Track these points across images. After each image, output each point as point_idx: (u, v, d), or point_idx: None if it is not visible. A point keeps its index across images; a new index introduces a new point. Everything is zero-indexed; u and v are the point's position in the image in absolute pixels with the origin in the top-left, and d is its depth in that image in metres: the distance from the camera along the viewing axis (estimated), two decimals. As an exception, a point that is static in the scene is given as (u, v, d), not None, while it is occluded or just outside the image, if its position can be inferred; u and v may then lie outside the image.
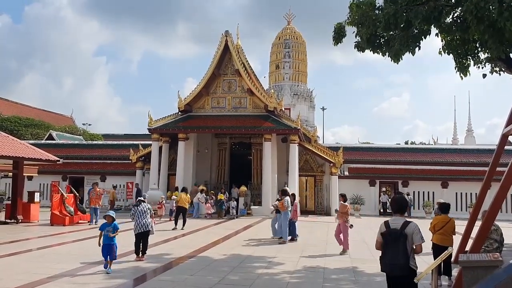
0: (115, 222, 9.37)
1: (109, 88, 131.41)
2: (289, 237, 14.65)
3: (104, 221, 9.41)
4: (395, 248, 5.43)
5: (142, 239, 10.63)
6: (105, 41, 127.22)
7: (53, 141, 38.58)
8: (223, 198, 24.31)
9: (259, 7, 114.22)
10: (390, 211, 26.09)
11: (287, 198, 14.60)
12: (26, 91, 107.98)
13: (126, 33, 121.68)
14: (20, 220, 18.98)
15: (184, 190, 19.00)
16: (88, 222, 19.79)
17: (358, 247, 13.90)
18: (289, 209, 14.50)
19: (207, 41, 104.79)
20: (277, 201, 15.24)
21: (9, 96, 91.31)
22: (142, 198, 11.01)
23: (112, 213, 9.62)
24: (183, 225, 17.53)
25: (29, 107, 52.11)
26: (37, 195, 20.62)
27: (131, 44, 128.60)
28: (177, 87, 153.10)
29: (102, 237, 9.23)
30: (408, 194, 28.25)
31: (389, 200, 28.15)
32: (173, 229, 17.14)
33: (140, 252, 10.61)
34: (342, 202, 13.29)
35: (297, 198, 18.79)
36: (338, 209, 13.49)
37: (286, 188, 16.08)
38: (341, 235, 12.71)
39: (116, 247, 9.29)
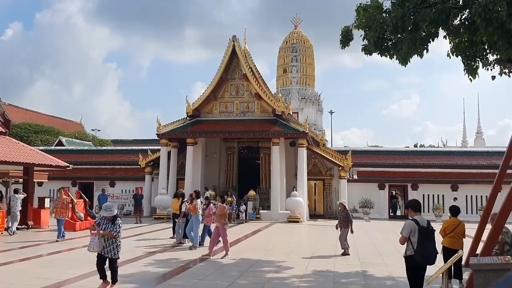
0: None
1: (119, 94, 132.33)
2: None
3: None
4: (433, 241, 6.52)
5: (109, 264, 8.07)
6: (115, 48, 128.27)
7: (63, 147, 38.85)
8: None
9: (267, 11, 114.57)
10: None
11: (199, 200, 13.89)
12: (37, 98, 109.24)
13: (136, 40, 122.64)
14: (30, 226, 19.10)
15: (176, 195, 16.58)
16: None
17: (368, 250, 13.86)
18: (200, 212, 13.75)
19: (216, 46, 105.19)
20: (187, 203, 14.29)
21: (20, 102, 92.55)
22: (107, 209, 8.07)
23: None
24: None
25: (39, 114, 52.56)
26: (47, 200, 20.76)
27: (141, 50, 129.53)
28: (186, 92, 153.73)
29: None
30: (455, 199, 27.83)
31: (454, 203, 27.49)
32: (170, 237, 15.95)
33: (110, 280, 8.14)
34: (220, 204, 12.67)
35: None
36: (216, 211, 12.77)
37: (200, 190, 15.73)
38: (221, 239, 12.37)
39: None
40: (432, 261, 6.51)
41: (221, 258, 11.80)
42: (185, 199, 14.81)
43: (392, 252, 13.52)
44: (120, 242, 8.03)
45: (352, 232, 13.11)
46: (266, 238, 17.26)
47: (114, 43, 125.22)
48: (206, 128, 26.65)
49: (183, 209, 14.47)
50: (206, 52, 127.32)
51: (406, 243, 6.64)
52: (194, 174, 26.34)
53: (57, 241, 14.98)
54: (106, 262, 7.98)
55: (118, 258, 8.04)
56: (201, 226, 14.03)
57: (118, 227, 7.88)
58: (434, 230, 6.65)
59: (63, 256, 12.21)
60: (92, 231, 7.97)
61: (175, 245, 14.18)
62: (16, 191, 18.04)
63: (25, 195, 18.62)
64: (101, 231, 7.80)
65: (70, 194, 20.66)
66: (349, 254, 12.65)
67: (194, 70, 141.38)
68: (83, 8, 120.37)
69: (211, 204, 13.84)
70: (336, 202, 28.26)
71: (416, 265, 6.50)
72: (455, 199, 27.61)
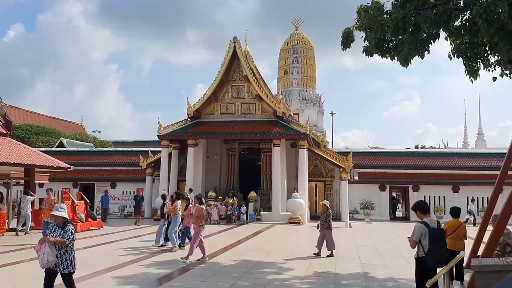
0: None
1: (120, 96, 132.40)
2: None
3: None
4: (444, 243, 6.54)
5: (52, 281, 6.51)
6: (117, 49, 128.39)
7: (64, 148, 38.90)
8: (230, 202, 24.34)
9: (268, 12, 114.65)
10: (471, 220, 25.30)
11: (179, 202, 13.59)
12: (39, 99, 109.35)
13: (137, 41, 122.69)
14: (31, 227, 19.09)
15: (181, 197, 17.24)
16: (98, 228, 19.85)
17: (369, 252, 13.84)
18: (180, 214, 13.46)
19: (217, 47, 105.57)
20: (168, 205, 13.98)
21: (22, 103, 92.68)
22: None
23: None
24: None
25: (40, 115, 52.63)
26: (48, 202, 20.75)
27: (142, 52, 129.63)
28: (187, 93, 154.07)
29: None
30: (472, 200, 27.62)
31: (473, 208, 27.18)
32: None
33: None
34: (198, 205, 12.12)
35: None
36: (193, 212, 12.19)
37: (183, 192, 15.17)
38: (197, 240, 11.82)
39: None
40: (445, 263, 6.47)
41: (181, 258, 11.33)
42: (166, 201, 14.59)
43: (393, 254, 13.51)
44: (74, 253, 6.53)
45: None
46: (267, 240, 17.25)
47: (115, 45, 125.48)
48: (207, 129, 26.66)
49: (165, 211, 14.25)
50: (207, 53, 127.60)
51: (417, 245, 6.59)
52: (195, 175, 26.34)
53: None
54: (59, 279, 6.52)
55: (73, 272, 6.50)
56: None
57: (70, 234, 6.33)
58: (445, 231, 6.71)
59: (64, 258, 12.20)
60: (40, 244, 6.30)
61: (159, 248, 13.74)
62: (26, 193, 18.07)
63: (35, 197, 18.67)
64: (51, 238, 6.25)
65: (71, 196, 20.71)
66: (320, 255, 12.57)
67: (195, 72, 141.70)
68: (84, 10, 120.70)
69: (191, 205, 13.42)
70: (336, 204, 28.30)
71: (427, 268, 6.44)
72: (473, 200, 27.47)
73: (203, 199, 12.83)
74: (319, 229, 13.08)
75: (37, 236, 17.02)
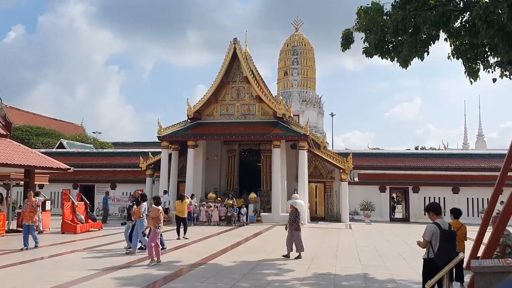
0: None
1: (121, 97, 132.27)
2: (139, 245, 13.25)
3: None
4: (454, 244, 6.73)
5: None
6: (118, 51, 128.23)
7: (64, 150, 38.87)
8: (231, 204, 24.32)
9: (269, 14, 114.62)
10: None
11: (144, 203, 13.28)
12: (39, 100, 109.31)
13: (138, 43, 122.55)
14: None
15: (180, 197, 17.51)
16: (99, 229, 19.83)
17: (369, 253, 13.84)
18: (145, 216, 13.02)
19: (218, 48, 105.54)
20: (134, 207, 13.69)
21: (23, 105, 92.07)
22: None
23: None
24: (185, 233, 16.93)
25: (40, 116, 52.60)
26: (48, 203, 20.75)
27: (143, 53, 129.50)
28: (188, 94, 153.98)
29: None
30: (502, 202, 27.47)
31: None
32: (177, 239, 16.51)
33: None
34: (154, 206, 11.78)
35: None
36: (149, 214, 11.98)
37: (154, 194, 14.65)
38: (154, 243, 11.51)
39: None
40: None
41: (147, 265, 10.95)
42: (132, 203, 14.39)
43: (393, 255, 13.51)
44: None
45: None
46: (267, 241, 17.26)
47: (116, 46, 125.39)
48: (207, 130, 26.67)
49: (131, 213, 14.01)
50: (208, 54, 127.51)
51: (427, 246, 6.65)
52: (195, 176, 26.34)
53: (22, 249, 13.51)
54: None
55: None
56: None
57: None
58: (456, 234, 6.88)
59: (64, 259, 12.21)
60: None
61: (127, 250, 13.41)
62: (37, 194, 18.03)
63: (45, 197, 18.62)
64: None
65: (70, 197, 20.70)
66: (301, 258, 12.47)
67: (196, 73, 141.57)
68: (86, 11, 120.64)
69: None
70: (336, 205, 28.29)
71: (434, 268, 6.45)
72: (502, 202, 27.23)
73: (160, 199, 12.54)
74: (287, 230, 12.99)
75: (45, 236, 17.07)
